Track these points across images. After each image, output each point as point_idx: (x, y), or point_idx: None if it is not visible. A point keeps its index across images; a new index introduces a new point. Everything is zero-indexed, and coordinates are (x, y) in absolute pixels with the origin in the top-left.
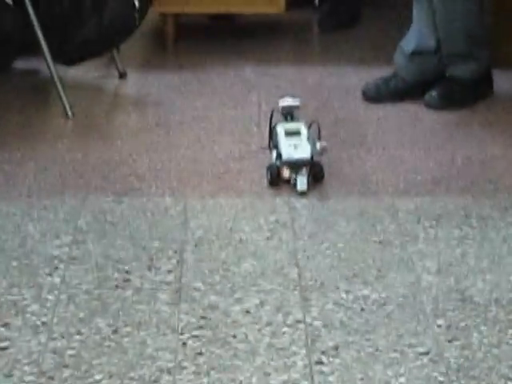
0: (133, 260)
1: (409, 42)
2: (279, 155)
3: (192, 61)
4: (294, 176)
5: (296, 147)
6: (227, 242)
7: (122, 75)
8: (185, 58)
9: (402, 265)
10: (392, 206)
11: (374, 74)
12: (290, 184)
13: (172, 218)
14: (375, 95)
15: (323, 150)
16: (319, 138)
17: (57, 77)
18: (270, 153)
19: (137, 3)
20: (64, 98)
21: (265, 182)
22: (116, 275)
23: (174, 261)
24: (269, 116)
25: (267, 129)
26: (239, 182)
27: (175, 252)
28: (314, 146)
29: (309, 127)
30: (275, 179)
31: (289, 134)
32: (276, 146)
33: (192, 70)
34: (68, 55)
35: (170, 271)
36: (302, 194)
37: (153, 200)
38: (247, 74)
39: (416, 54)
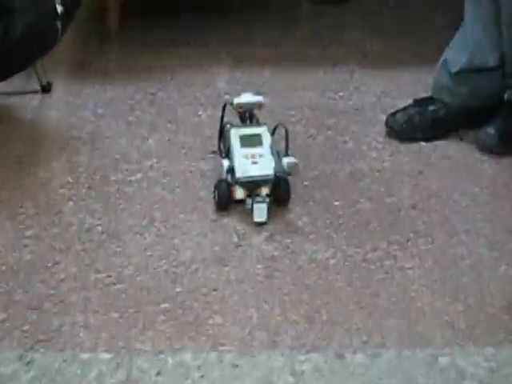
0: None
1: (457, 55)
2: (232, 169)
3: (142, 62)
4: (250, 200)
5: (255, 161)
6: None
7: (45, 88)
8: (132, 57)
9: None
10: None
11: (385, 78)
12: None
13: None
14: (405, 130)
15: (292, 169)
16: (286, 151)
17: None
18: (221, 163)
19: (59, 8)
20: None
21: (255, 318)
22: None
23: None
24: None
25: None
26: (215, 320)
27: None
28: (278, 159)
29: (272, 132)
30: (225, 202)
31: (246, 141)
32: (228, 156)
33: (142, 80)
34: None
35: None
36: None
37: (80, 357)
38: (220, 86)
39: (468, 71)
